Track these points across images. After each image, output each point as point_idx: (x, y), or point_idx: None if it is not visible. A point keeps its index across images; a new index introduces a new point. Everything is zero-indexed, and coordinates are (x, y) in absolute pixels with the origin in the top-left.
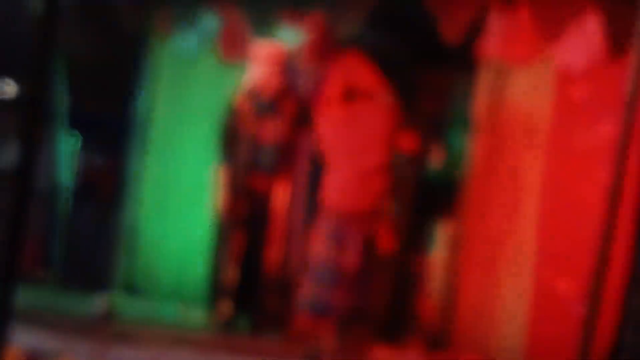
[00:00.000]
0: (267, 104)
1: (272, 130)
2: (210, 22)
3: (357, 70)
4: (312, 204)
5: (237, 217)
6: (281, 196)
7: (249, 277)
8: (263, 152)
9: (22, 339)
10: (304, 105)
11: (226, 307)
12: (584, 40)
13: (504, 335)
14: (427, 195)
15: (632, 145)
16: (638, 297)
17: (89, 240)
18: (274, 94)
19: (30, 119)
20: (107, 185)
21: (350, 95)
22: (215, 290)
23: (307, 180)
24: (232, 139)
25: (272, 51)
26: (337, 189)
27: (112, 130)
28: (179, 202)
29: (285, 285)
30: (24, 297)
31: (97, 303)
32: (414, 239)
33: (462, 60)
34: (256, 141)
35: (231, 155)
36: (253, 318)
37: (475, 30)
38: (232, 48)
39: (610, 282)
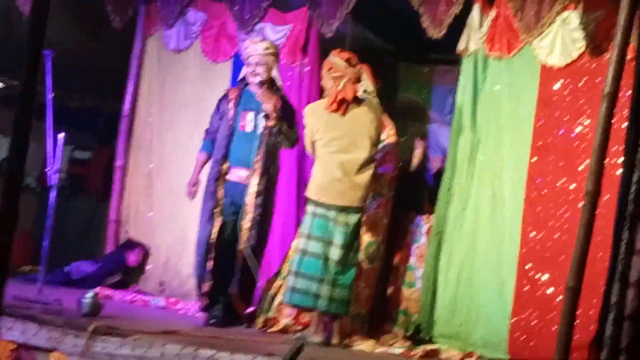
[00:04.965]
0: (252, 97)
1: (251, 122)
2: (197, 19)
3: (345, 69)
4: (298, 196)
5: (216, 205)
6: (254, 187)
7: (225, 265)
8: (240, 143)
9: (11, 333)
10: (287, 100)
11: (207, 295)
12: (565, 35)
13: (486, 326)
14: (409, 188)
15: (611, 139)
16: (618, 290)
17: (78, 234)
18: (260, 87)
19: (21, 116)
20: (95, 180)
21: (343, 99)
22: (200, 278)
23: (293, 174)
24: (216, 126)
25: (260, 46)
26: (324, 183)
27: (99, 125)
28: (169, 193)
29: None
30: (13, 292)
31: (85, 298)
32: (396, 231)
33: (445, 54)
34: (236, 132)
35: (213, 142)
36: (232, 309)
37: (458, 24)
38: (217, 45)
39: (592, 274)
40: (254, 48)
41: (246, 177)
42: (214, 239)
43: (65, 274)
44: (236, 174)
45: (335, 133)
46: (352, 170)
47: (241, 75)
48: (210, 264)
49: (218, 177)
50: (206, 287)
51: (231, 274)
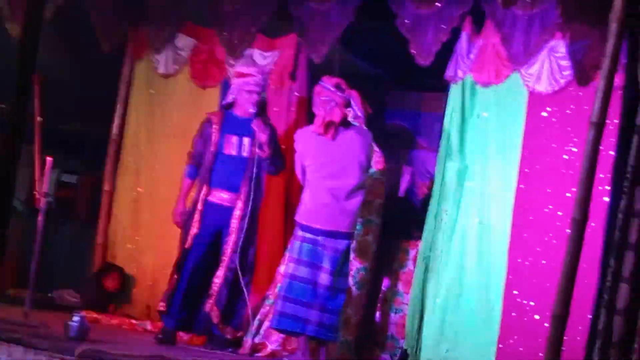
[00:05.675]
0: (237, 122)
1: (236, 146)
2: (186, 44)
3: (334, 93)
4: (285, 220)
5: (193, 227)
6: (238, 211)
7: (194, 286)
8: (223, 166)
9: None
10: (273, 127)
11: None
12: (552, 63)
13: (472, 352)
14: (397, 214)
15: (598, 167)
16: (605, 317)
17: (65, 258)
18: (246, 113)
19: (9, 139)
20: (82, 204)
21: (330, 122)
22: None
23: (280, 198)
24: (200, 150)
25: (258, 77)
26: (313, 208)
27: (88, 149)
28: (156, 218)
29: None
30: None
31: (72, 321)
32: (384, 257)
33: (432, 81)
34: (220, 155)
35: (198, 167)
36: (212, 333)
37: (446, 51)
38: (205, 70)
39: (579, 302)
40: (251, 78)
41: (228, 199)
42: (183, 259)
43: (50, 299)
44: (218, 196)
45: (325, 158)
46: (342, 196)
47: (228, 100)
48: (172, 284)
49: (199, 198)
50: (161, 306)
51: (201, 296)
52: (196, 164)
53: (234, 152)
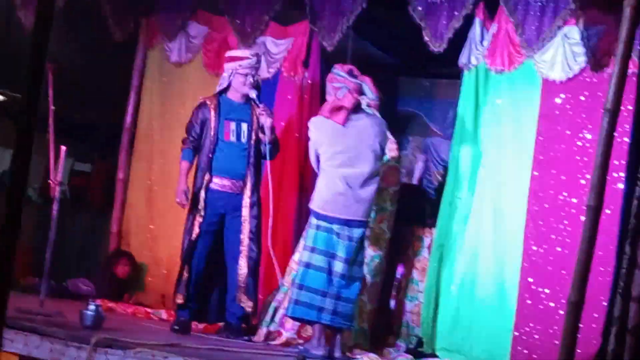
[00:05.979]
0: (233, 107)
1: (235, 133)
2: (198, 32)
3: (346, 79)
4: (298, 208)
5: (197, 215)
6: (248, 199)
7: (205, 275)
8: (223, 153)
9: (14, 346)
10: (272, 114)
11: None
12: (566, 50)
13: (488, 339)
14: (411, 201)
15: (613, 153)
16: (621, 304)
17: (79, 247)
18: (241, 97)
19: (24, 129)
20: (96, 192)
21: (340, 107)
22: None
23: (294, 185)
24: (196, 135)
25: (243, 55)
26: (328, 196)
27: (101, 138)
28: (170, 207)
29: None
30: (15, 304)
31: (88, 310)
32: (398, 245)
33: (446, 68)
34: (220, 142)
35: (195, 152)
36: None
37: (459, 38)
38: (218, 59)
39: (594, 289)
40: (246, 60)
41: (230, 186)
42: (192, 249)
43: (64, 287)
44: (219, 183)
45: (339, 146)
46: (356, 184)
47: (224, 85)
48: (185, 275)
49: (201, 186)
50: (180, 298)
51: (213, 284)
52: (192, 147)
53: (233, 139)
